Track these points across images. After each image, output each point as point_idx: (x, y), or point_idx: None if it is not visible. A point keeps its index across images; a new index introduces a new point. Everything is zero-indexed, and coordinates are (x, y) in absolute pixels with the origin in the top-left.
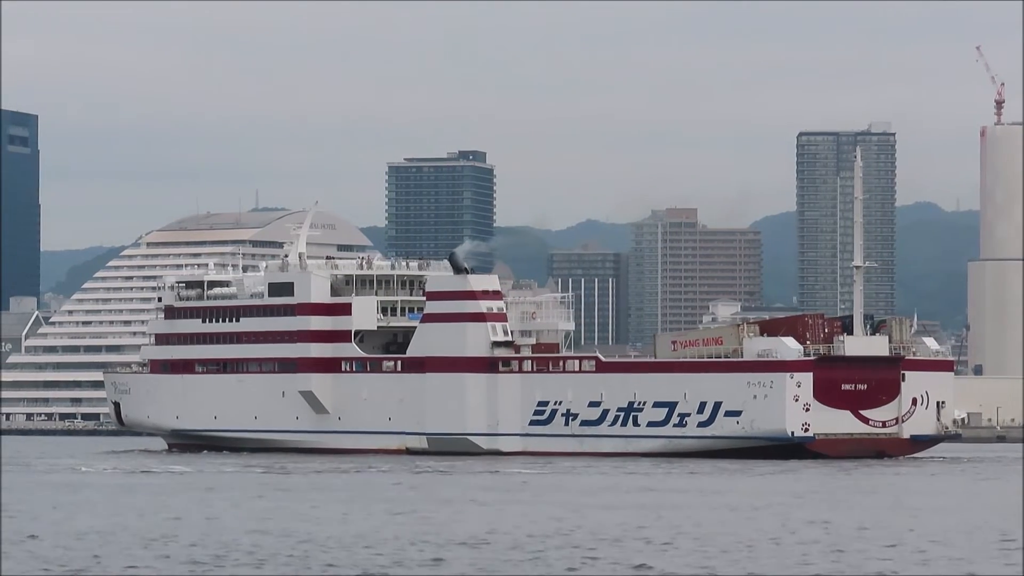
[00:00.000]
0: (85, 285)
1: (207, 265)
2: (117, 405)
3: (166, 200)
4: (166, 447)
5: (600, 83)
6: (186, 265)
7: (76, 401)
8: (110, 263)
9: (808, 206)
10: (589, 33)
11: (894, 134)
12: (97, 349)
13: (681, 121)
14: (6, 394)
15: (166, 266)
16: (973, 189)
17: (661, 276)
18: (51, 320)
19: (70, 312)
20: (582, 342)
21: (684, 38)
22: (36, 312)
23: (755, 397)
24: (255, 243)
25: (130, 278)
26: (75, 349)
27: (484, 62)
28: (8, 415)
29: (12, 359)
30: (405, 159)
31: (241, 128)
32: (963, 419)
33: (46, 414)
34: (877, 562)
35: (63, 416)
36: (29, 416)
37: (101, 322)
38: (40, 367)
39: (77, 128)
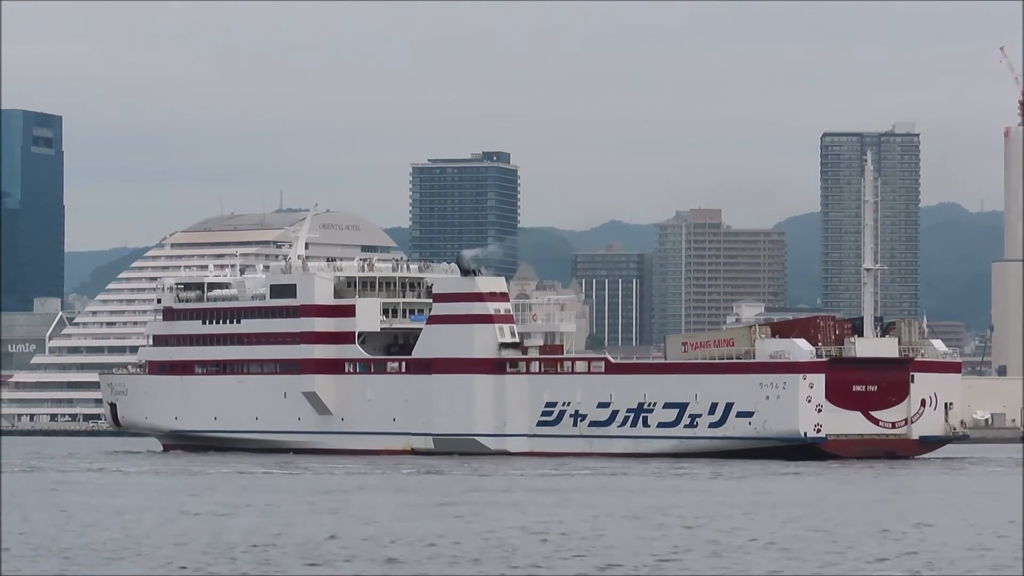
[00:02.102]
0: (109, 286)
1: (234, 266)
2: (113, 406)
3: (190, 201)
4: (161, 448)
5: (624, 84)
6: (213, 266)
7: (100, 402)
8: (134, 264)
9: (832, 207)
10: (613, 34)
11: (918, 135)
12: (121, 350)
13: (705, 122)
14: (31, 395)
15: (190, 267)
16: (997, 190)
17: (685, 277)
18: (75, 321)
19: (94, 313)
20: (606, 343)
21: (709, 39)
22: (60, 313)
23: (768, 398)
24: (279, 244)
25: (154, 279)
26: (99, 350)
27: (508, 63)
28: (32, 416)
29: (36, 360)
30: (429, 160)
31: (265, 129)
32: (987, 420)
33: (70, 415)
34: None
35: (87, 417)
36: (53, 417)
37: (125, 323)
38: (64, 368)
39: (101, 129)
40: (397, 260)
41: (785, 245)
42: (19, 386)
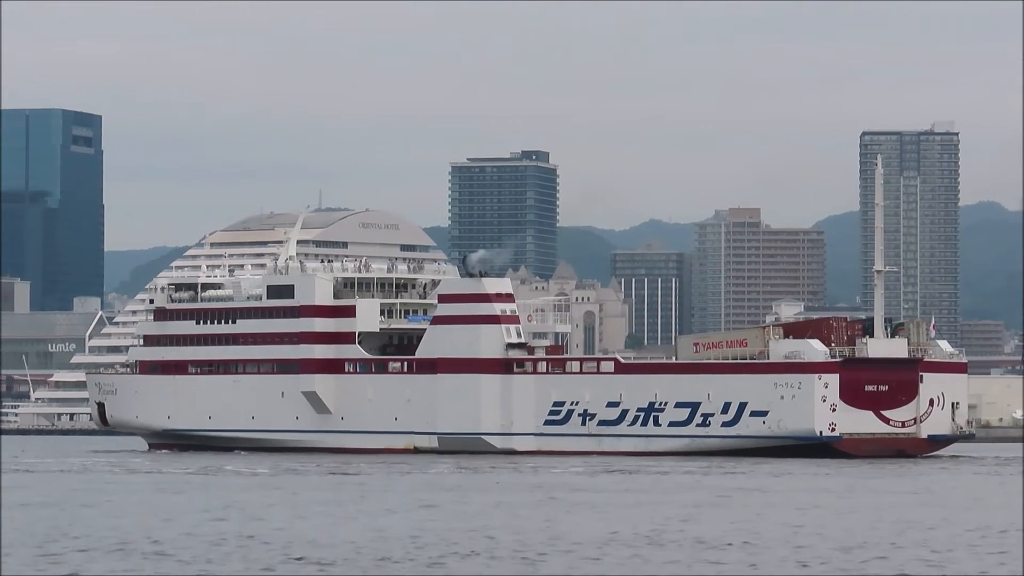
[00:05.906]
0: (149, 285)
1: (274, 265)
2: (101, 406)
3: (229, 200)
4: (147, 447)
5: (664, 82)
6: (251, 265)
7: None
8: (173, 263)
9: (871, 206)
10: (653, 33)
11: (957, 133)
12: None
13: (744, 121)
14: (71, 394)
15: (230, 266)
16: None
17: (724, 276)
18: (115, 320)
19: (134, 312)
20: (645, 342)
21: (748, 38)
22: (100, 312)
23: (782, 398)
24: (318, 243)
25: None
26: None
27: (547, 62)
28: (72, 415)
29: (76, 359)
30: (468, 159)
31: (305, 128)
32: (1022, 418)
33: None
34: None
35: None
36: (92, 417)
37: None
38: (104, 367)
39: (140, 128)
40: (392, 260)
41: (824, 244)
42: (59, 385)
